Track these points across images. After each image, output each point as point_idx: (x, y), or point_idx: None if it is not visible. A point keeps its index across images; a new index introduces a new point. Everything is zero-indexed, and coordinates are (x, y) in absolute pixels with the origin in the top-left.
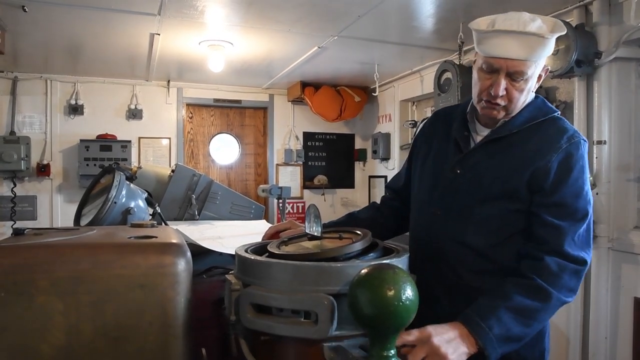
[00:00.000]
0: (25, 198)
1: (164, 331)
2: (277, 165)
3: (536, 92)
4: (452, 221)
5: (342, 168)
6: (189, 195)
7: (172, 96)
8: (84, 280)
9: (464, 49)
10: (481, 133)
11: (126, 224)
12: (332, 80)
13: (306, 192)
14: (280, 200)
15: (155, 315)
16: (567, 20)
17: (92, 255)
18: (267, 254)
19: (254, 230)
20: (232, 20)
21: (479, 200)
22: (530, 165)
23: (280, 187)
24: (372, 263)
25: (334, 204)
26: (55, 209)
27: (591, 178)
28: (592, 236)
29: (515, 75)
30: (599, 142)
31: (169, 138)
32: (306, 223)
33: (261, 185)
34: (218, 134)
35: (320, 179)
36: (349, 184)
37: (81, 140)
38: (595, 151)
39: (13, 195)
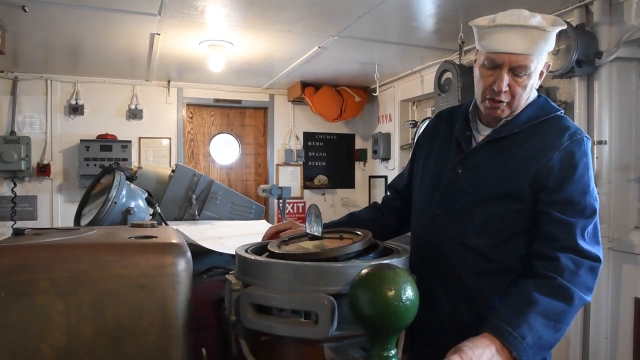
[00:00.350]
0: (26, 198)
1: (164, 331)
2: (278, 165)
3: (538, 93)
4: (452, 221)
5: (343, 168)
6: (189, 195)
7: (172, 96)
8: (84, 280)
9: (465, 49)
10: (483, 132)
11: (126, 224)
12: (333, 80)
13: (306, 192)
14: (281, 200)
15: (155, 315)
16: (568, 20)
17: (92, 255)
18: (267, 254)
19: (254, 231)
20: (233, 20)
21: (479, 200)
22: (533, 164)
23: (281, 187)
24: (373, 263)
25: (334, 204)
26: (56, 209)
27: None
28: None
29: (518, 70)
30: (600, 142)
31: (169, 138)
32: (307, 223)
33: (261, 185)
34: (218, 134)
35: (321, 179)
36: (349, 184)
37: (81, 140)
38: (595, 151)
39: (13, 195)
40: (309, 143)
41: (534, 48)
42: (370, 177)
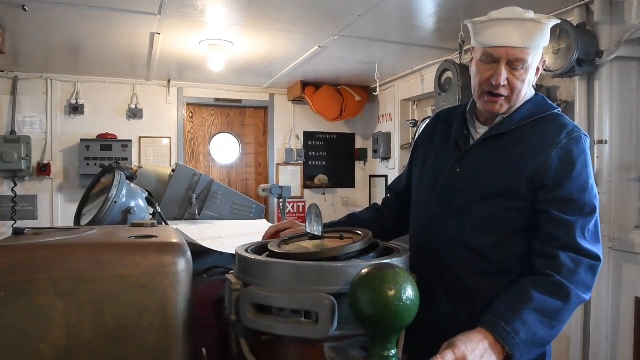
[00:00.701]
0: (26, 198)
1: (164, 331)
2: (278, 164)
3: (536, 92)
4: (451, 220)
5: (343, 168)
6: (190, 195)
7: (172, 96)
8: (84, 280)
9: (465, 48)
10: (480, 131)
11: (126, 223)
12: (333, 79)
13: (307, 191)
14: (281, 200)
15: (155, 315)
16: (568, 20)
17: (92, 255)
18: (267, 254)
19: (255, 230)
20: (233, 20)
21: (478, 198)
22: (530, 162)
23: (281, 187)
24: (373, 263)
25: (334, 204)
26: (56, 209)
27: None
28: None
29: (515, 64)
30: (600, 142)
31: (170, 137)
32: (307, 222)
33: (262, 185)
34: (218, 133)
35: (321, 178)
36: (350, 183)
37: (81, 140)
38: (596, 151)
39: (13, 195)
40: (309, 142)
41: (530, 41)
42: (371, 176)
